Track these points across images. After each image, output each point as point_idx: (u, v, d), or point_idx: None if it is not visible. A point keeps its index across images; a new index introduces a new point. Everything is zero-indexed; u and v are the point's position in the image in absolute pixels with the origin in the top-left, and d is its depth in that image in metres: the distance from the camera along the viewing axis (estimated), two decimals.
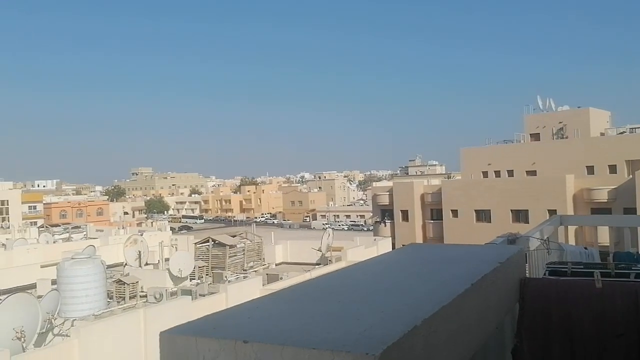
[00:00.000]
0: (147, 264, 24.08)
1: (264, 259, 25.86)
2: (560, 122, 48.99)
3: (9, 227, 49.01)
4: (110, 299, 18.08)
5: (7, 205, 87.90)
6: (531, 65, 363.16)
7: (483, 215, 44.76)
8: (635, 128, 48.76)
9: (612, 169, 44.13)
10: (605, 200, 39.61)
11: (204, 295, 17.94)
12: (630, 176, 39.45)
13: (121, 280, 19.19)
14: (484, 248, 4.45)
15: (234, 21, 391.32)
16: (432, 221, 47.85)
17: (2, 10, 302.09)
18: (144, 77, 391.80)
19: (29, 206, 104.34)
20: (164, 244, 23.35)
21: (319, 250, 23.07)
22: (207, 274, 22.90)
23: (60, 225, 45.51)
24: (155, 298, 17.55)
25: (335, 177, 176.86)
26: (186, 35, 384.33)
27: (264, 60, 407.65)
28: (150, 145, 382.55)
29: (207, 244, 23.57)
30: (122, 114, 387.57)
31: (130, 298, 18.49)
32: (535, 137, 50.33)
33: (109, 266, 25.52)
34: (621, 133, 48.26)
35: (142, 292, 18.96)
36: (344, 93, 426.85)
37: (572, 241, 5.42)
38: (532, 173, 46.91)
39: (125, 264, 22.16)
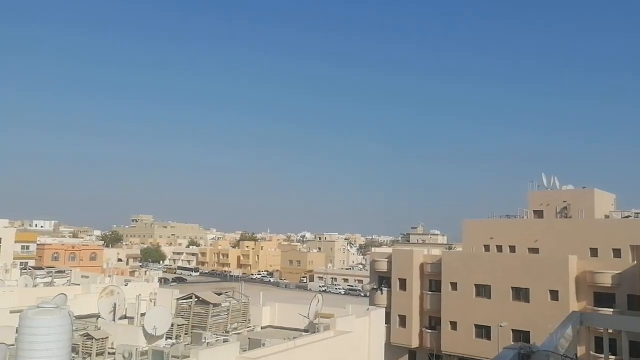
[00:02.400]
0: (125, 317, 22.80)
1: (249, 320, 24.50)
2: (564, 201, 48.28)
3: None
4: (75, 354, 16.77)
5: (0, 243, 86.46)
6: (538, 141, 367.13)
7: (483, 291, 43.29)
8: None
9: (617, 252, 42.93)
10: (609, 285, 38.24)
11: (176, 358, 16.65)
12: (635, 262, 38.27)
13: (89, 335, 17.92)
14: None
15: (241, 73, 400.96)
16: (430, 292, 46.31)
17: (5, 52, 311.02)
18: (153, 125, 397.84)
19: (22, 246, 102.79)
20: (142, 297, 22.11)
21: (306, 317, 21.79)
22: (186, 333, 21.55)
23: (43, 268, 44.10)
24: (124, 357, 16.27)
25: (336, 239, 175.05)
26: (194, 86, 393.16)
27: (274, 116, 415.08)
28: (153, 193, 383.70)
29: (190, 300, 22.33)
30: (127, 159, 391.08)
31: (97, 355, 17.17)
32: (539, 214, 49.50)
33: (85, 317, 24.23)
34: (626, 217, 47.36)
35: (111, 348, 17.66)
36: (352, 155, 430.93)
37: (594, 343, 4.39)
38: (534, 250, 45.77)
39: (99, 317, 20.87)
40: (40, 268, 46.02)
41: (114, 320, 20.99)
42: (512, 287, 41.59)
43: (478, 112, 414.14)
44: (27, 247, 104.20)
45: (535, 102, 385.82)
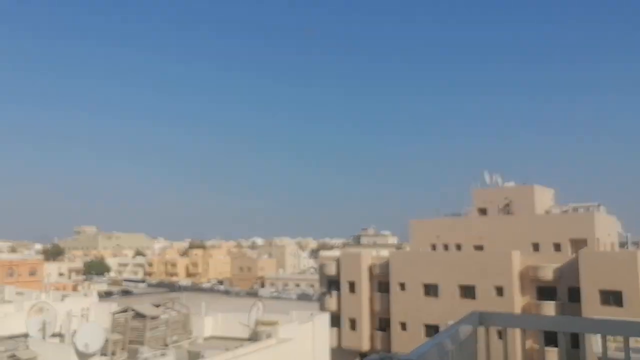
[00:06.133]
0: (59, 335, 21.42)
1: (191, 331, 23.56)
2: (505, 198, 49.54)
3: None
4: None
5: None
6: (481, 141, 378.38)
7: (431, 290, 43.68)
8: (578, 207, 49.78)
9: (557, 247, 44.41)
10: (551, 279, 39.33)
11: None
12: (574, 255, 39.55)
13: (15, 356, 16.64)
14: None
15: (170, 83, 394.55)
16: (379, 294, 46.35)
17: None
18: (93, 133, 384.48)
19: None
20: (74, 312, 20.81)
21: (247, 325, 21.11)
22: (122, 349, 20.44)
23: None
24: None
25: (287, 244, 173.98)
26: (134, 98, 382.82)
27: (216, 128, 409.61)
28: (96, 203, 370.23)
29: (126, 314, 21.21)
30: (68, 169, 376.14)
31: None
32: (483, 212, 50.58)
33: (16, 336, 22.67)
34: (565, 211, 49.08)
35: None
36: (304, 154, 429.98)
37: (495, 347, 4.07)
38: (479, 248, 46.67)
39: (27, 336, 19.49)
40: None
41: (43, 338, 19.67)
42: (459, 285, 42.14)
43: (418, 116, 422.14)
44: None
45: (482, 102, 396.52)
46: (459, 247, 48.38)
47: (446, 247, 49.22)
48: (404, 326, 44.04)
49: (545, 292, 39.97)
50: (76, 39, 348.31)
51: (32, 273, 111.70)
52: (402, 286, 44.51)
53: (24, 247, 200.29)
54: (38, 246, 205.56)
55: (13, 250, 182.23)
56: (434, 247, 49.70)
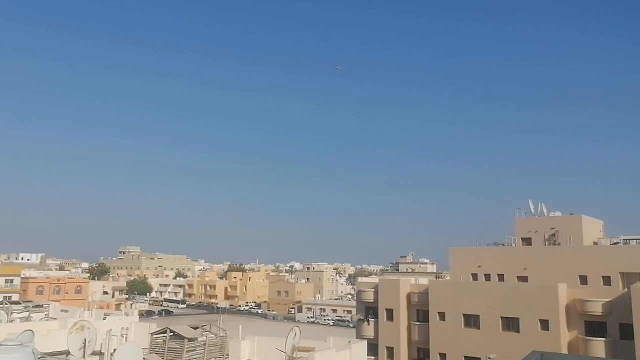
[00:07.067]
0: (99, 353, 21.77)
1: (227, 355, 23.53)
2: (552, 228, 47.90)
3: None
4: None
5: None
6: (524, 170, 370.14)
7: (472, 321, 42.39)
8: (628, 239, 47.58)
9: (607, 280, 42.36)
10: (600, 314, 37.61)
11: None
12: (626, 289, 37.73)
13: None
14: None
15: (211, 115, 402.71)
16: (418, 323, 45.31)
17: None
18: (139, 160, 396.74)
19: (5, 279, 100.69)
20: (114, 332, 21.14)
21: (283, 351, 20.91)
22: None
23: (20, 303, 42.74)
24: None
25: (325, 269, 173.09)
26: (181, 127, 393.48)
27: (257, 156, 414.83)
28: (141, 225, 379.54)
29: (164, 335, 21.39)
30: (116, 192, 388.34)
31: None
32: (527, 241, 49.02)
33: (57, 353, 23.14)
34: (615, 243, 47.02)
35: None
36: (345, 182, 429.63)
37: None
38: (523, 279, 45.11)
39: (68, 353, 19.86)
40: (17, 302, 44.50)
41: (83, 357, 19.99)
42: (501, 317, 40.76)
43: (463, 148, 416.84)
44: (11, 281, 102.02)
45: (526, 138, 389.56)
46: (501, 277, 46.89)
47: (488, 277, 47.83)
48: (443, 357, 42.79)
49: (594, 327, 38.18)
50: (150, 74, 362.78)
51: (78, 291, 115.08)
52: (442, 316, 43.39)
53: (71, 266, 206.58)
54: (85, 265, 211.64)
55: (61, 268, 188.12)
56: (474, 276, 48.38)
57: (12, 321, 33.68)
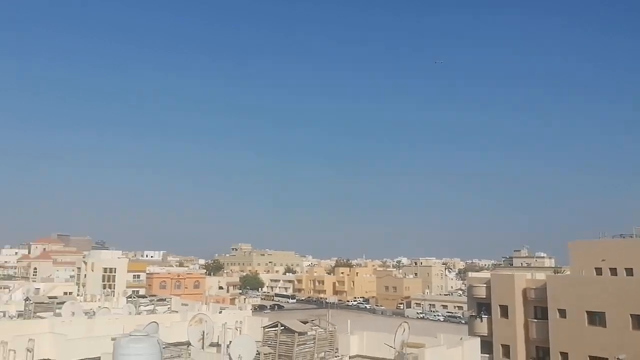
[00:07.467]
0: (216, 344, 22.96)
1: (337, 349, 23.70)
2: None
3: (111, 295, 50.95)
4: None
5: (115, 272, 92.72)
6: None
7: (597, 318, 39.24)
8: None
9: None
10: None
11: None
12: None
13: None
14: None
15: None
16: (535, 320, 42.81)
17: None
18: (253, 167, 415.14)
19: (133, 275, 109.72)
20: (228, 325, 22.10)
21: (392, 347, 20.62)
22: None
23: (146, 297, 46.20)
24: None
25: (433, 264, 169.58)
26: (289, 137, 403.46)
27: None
28: (252, 223, 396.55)
29: (276, 329, 22.00)
30: (229, 194, 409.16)
31: None
32: None
33: (179, 344, 24.70)
34: None
35: None
36: (452, 176, 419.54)
37: None
38: None
39: (189, 344, 21.13)
40: (143, 296, 48.20)
41: (202, 348, 21.17)
42: (631, 315, 37.33)
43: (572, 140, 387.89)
44: (138, 277, 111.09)
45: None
46: (629, 271, 42.99)
47: (614, 271, 44.06)
48: (565, 356, 40.05)
49: None
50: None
51: (196, 286, 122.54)
52: (562, 313, 40.61)
53: (189, 262, 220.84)
54: (201, 261, 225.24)
55: (180, 264, 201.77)
56: (598, 270, 44.80)
57: (139, 313, 36.52)
